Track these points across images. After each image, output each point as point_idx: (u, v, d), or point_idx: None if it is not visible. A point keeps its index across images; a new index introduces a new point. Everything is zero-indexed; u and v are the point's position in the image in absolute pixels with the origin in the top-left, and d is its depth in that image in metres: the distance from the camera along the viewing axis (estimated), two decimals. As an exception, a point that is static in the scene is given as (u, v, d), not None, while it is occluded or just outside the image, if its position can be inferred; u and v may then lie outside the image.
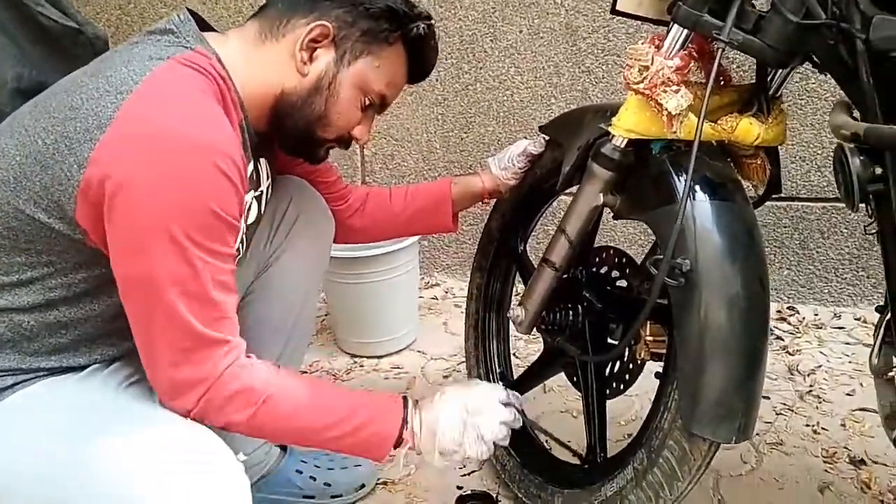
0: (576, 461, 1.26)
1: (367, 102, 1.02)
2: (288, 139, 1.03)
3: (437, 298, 2.17)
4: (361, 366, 1.83)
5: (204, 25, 0.98)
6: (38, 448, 0.85)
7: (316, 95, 0.98)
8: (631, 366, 1.16)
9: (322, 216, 1.27)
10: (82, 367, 0.95)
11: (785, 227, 1.91)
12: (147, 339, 0.88)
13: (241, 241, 1.06)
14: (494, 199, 1.40)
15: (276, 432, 0.97)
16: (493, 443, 1.04)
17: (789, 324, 1.88)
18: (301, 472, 1.35)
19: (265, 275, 1.23)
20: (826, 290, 1.93)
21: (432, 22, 1.04)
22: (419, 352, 1.89)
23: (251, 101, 0.97)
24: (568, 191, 1.19)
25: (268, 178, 1.14)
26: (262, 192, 1.12)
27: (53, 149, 0.83)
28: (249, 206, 1.08)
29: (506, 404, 1.06)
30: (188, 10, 0.97)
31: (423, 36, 1.02)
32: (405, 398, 1.02)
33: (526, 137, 1.30)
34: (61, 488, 0.82)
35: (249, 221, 1.10)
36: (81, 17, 1.13)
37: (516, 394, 1.10)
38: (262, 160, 1.11)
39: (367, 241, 1.45)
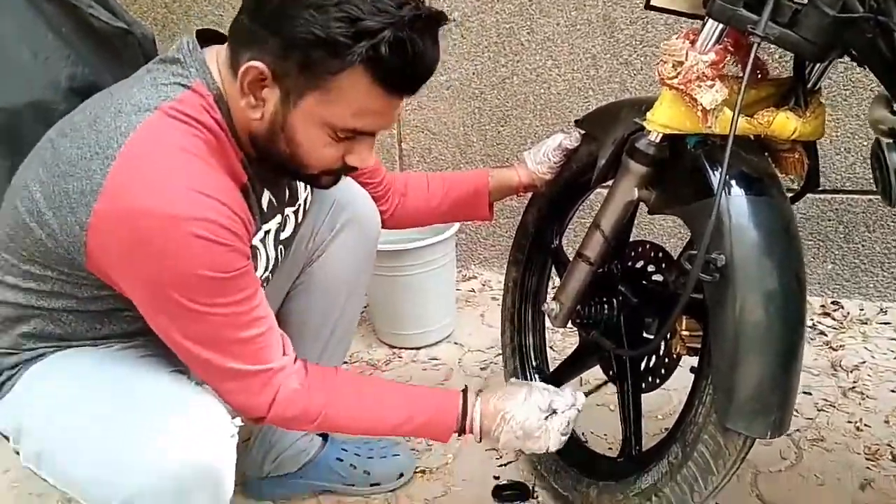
0: (611, 453, 1.27)
1: (342, 136, 0.89)
2: (278, 173, 1.00)
3: (474, 291, 2.18)
4: (400, 357, 1.86)
5: (220, 39, 0.95)
6: (61, 413, 0.93)
7: (276, 138, 0.89)
8: (666, 360, 1.16)
9: (368, 214, 1.29)
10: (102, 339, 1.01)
11: (829, 220, 1.87)
12: (203, 378, 0.95)
13: (277, 254, 1.10)
14: (530, 193, 1.41)
15: (348, 431, 1.07)
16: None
17: (833, 319, 1.85)
18: (342, 461, 1.39)
19: (310, 269, 1.26)
20: (871, 285, 1.89)
21: (387, 33, 0.80)
22: (457, 343, 1.91)
23: (243, 135, 0.93)
24: (603, 185, 1.20)
25: (305, 188, 1.15)
26: (299, 205, 1.14)
27: (60, 201, 0.86)
28: (285, 221, 1.10)
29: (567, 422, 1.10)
30: (200, 31, 0.95)
31: (379, 52, 0.81)
32: (465, 391, 1.08)
33: (562, 131, 1.30)
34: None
35: (286, 235, 1.12)
36: (130, 17, 1.17)
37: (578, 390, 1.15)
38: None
39: (405, 227, 1.46)
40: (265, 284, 1.06)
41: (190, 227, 0.82)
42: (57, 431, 0.92)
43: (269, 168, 0.97)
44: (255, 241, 1.01)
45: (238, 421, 0.93)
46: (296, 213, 1.14)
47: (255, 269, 1.00)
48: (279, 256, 1.11)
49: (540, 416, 1.06)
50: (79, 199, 0.84)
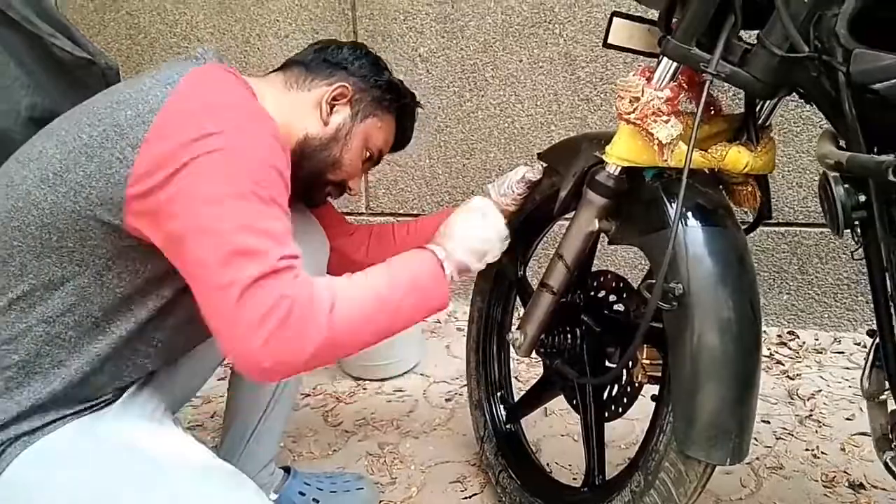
0: (575, 483, 1.27)
1: (368, 156, 1.20)
2: (300, 177, 1.05)
3: (440, 322, 2.19)
4: (364, 389, 1.85)
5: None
6: (79, 494, 0.87)
7: (333, 142, 1.13)
8: (629, 388, 1.18)
9: (317, 240, 1.28)
10: (117, 391, 0.98)
11: (783, 252, 1.93)
12: (214, 274, 0.81)
13: None
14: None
15: (363, 328, 0.90)
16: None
17: (789, 348, 1.89)
18: (304, 495, 1.36)
19: None
20: (826, 315, 1.94)
21: (418, 104, 1.28)
22: (422, 375, 1.91)
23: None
24: (565, 216, 1.22)
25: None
26: None
27: (102, 138, 0.86)
28: None
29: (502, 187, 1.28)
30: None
31: (409, 111, 1.25)
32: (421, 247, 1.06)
33: (525, 164, 1.33)
34: None
35: None
36: (93, 48, 1.17)
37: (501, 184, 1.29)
38: None
39: None
40: None
41: (268, 127, 0.90)
42: None
43: (294, 172, 1.00)
44: None
45: (273, 496, 0.97)
46: None
47: None
48: None
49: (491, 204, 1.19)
50: (133, 121, 0.86)
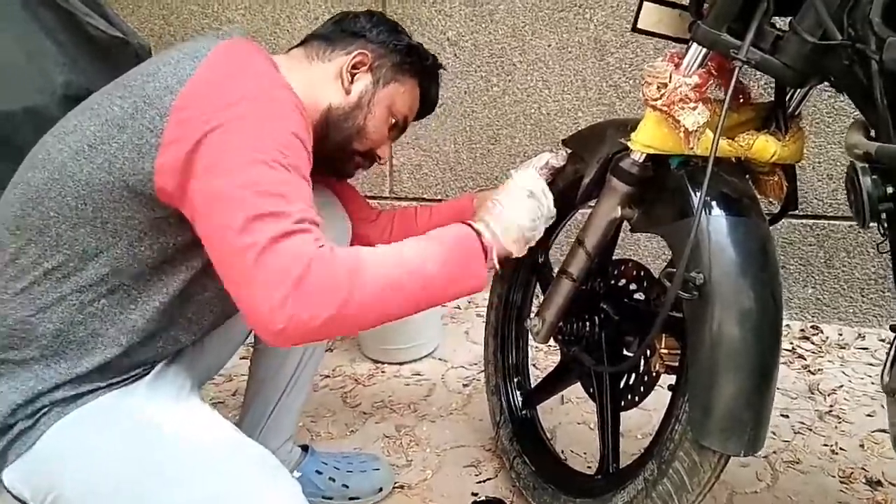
0: (590, 471, 1.27)
1: (393, 122, 1.19)
2: (327, 150, 1.10)
3: (459, 308, 2.19)
4: (383, 372, 1.86)
5: None
6: (113, 466, 0.88)
7: (357, 110, 1.13)
8: (646, 378, 1.17)
9: (340, 225, 1.29)
10: (148, 366, 0.99)
11: (810, 244, 1.90)
12: (229, 250, 0.81)
13: None
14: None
15: (386, 297, 0.86)
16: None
17: (812, 343, 1.87)
18: (321, 473, 1.38)
19: None
20: (851, 310, 1.92)
21: (440, 66, 1.25)
22: (440, 359, 1.92)
23: (307, 109, 1.02)
24: (588, 203, 1.21)
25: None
26: None
27: (133, 109, 0.88)
28: None
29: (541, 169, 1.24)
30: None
31: (434, 74, 1.24)
32: (464, 223, 1.02)
33: (550, 150, 1.32)
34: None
35: None
36: (127, 28, 1.18)
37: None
38: None
39: None
40: None
41: (291, 98, 0.92)
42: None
43: (321, 142, 1.06)
44: None
45: (297, 473, 0.98)
46: None
47: None
48: None
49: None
50: (161, 93, 0.88)
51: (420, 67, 1.20)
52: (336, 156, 1.16)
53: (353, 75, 1.13)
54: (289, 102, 0.91)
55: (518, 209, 1.10)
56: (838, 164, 1.83)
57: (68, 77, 1.12)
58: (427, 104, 1.26)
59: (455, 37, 2.10)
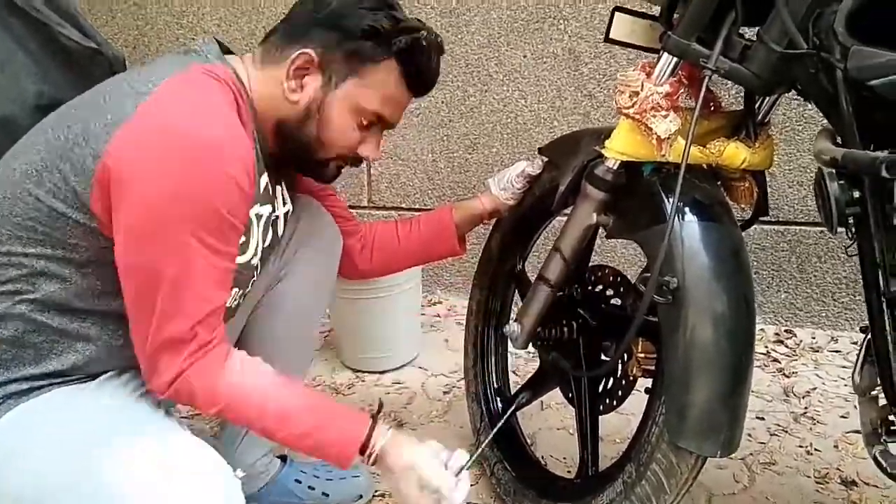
0: (570, 475, 1.28)
1: (365, 122, 1.04)
2: (293, 160, 1.08)
3: (439, 316, 2.20)
4: (363, 381, 1.86)
5: (225, 51, 1.04)
6: (56, 457, 0.88)
7: (308, 121, 1.01)
8: (623, 382, 1.19)
9: (330, 233, 1.30)
10: (97, 375, 0.98)
11: (783, 250, 1.93)
12: (138, 320, 0.91)
13: (258, 260, 1.09)
14: (495, 219, 1.43)
15: (245, 423, 1.01)
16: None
17: (786, 346, 1.90)
18: (300, 482, 1.38)
19: (273, 290, 1.26)
20: (823, 314, 1.95)
21: (423, 33, 1.02)
22: (421, 368, 1.92)
23: (262, 124, 1.02)
24: (565, 211, 1.23)
25: (284, 203, 1.16)
26: (277, 216, 1.14)
27: (74, 141, 0.88)
28: (267, 228, 1.10)
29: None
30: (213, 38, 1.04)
31: (413, 48, 1.01)
32: (373, 418, 1.01)
33: (527, 159, 1.34)
34: (77, 497, 0.85)
35: (266, 244, 1.12)
36: (101, 38, 1.18)
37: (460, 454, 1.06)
38: (282, 184, 1.14)
39: (380, 275, 1.49)
40: (244, 276, 1.05)
41: (225, 161, 0.87)
42: (45, 490, 0.86)
43: (281, 157, 1.05)
44: (252, 214, 1.01)
45: (240, 472, 0.91)
46: (273, 224, 1.14)
47: (247, 245, 1.02)
48: (259, 266, 1.11)
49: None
50: (99, 131, 0.87)
51: (393, 48, 1.00)
52: (303, 166, 1.10)
53: (301, 78, 1.00)
54: (219, 166, 0.86)
55: (411, 486, 1.00)
56: (808, 171, 1.87)
57: (40, 87, 1.11)
58: (419, 84, 1.05)
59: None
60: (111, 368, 1.00)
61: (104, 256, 0.90)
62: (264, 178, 1.05)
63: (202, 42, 1.01)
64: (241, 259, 1.00)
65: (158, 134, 0.86)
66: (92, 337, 0.95)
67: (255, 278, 1.11)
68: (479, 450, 1.25)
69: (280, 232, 1.17)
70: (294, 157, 1.06)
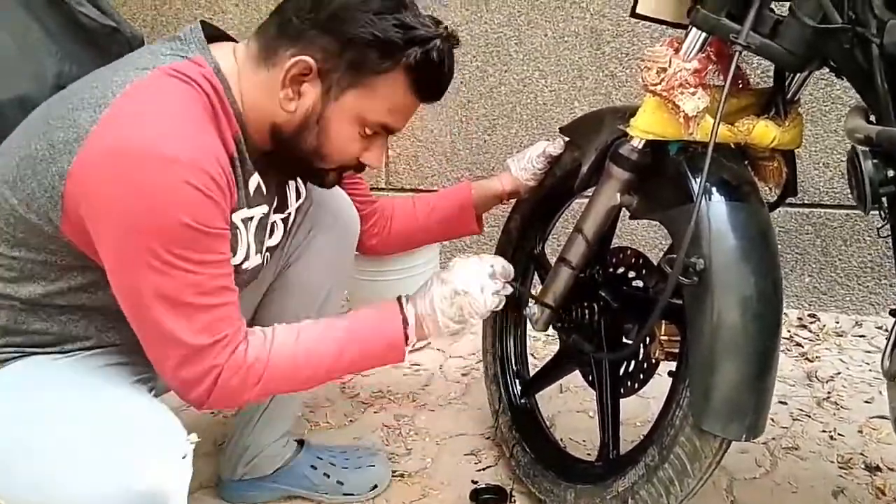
0: (589, 458, 1.28)
1: (369, 132, 0.97)
2: (290, 168, 1.03)
3: (457, 298, 2.19)
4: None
5: (219, 35, 1.00)
6: (8, 427, 0.88)
7: (305, 131, 0.95)
8: (645, 365, 1.18)
9: (347, 215, 1.28)
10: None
11: (807, 233, 1.90)
12: (148, 343, 0.91)
13: (264, 257, 1.08)
14: (514, 200, 1.42)
15: (294, 387, 1.02)
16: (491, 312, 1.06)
17: (810, 331, 1.88)
18: (315, 468, 1.37)
19: (285, 273, 1.25)
20: (848, 298, 1.92)
21: (435, 43, 0.93)
22: (438, 350, 1.91)
23: (252, 123, 0.95)
24: (585, 193, 1.21)
25: (298, 197, 1.15)
26: (288, 213, 1.14)
27: (42, 154, 0.86)
28: (273, 228, 1.10)
29: (491, 276, 1.06)
30: (202, 22, 0.98)
31: (424, 61, 0.92)
32: (399, 299, 1.04)
33: (547, 139, 1.32)
34: (26, 457, 0.85)
35: (273, 242, 1.11)
36: (119, 17, 1.17)
37: (504, 263, 1.10)
38: (290, 182, 1.12)
39: (396, 251, 1.48)
40: (242, 277, 1.03)
41: (183, 172, 0.82)
42: (3, 450, 0.86)
43: (278, 161, 0.99)
44: (237, 220, 0.98)
45: (194, 437, 0.88)
46: (284, 221, 1.14)
47: (234, 250, 0.98)
48: (263, 262, 1.10)
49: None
50: (62, 148, 0.84)
51: (402, 61, 0.92)
52: (303, 173, 1.07)
53: (299, 85, 0.92)
54: (178, 179, 0.82)
55: (449, 305, 1.02)
56: (835, 152, 1.83)
57: (60, 67, 1.10)
58: (431, 93, 0.99)
59: (450, 27, 2.08)
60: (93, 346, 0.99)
61: (84, 264, 0.90)
62: (254, 180, 1.00)
63: (189, 30, 0.95)
64: (232, 260, 0.97)
65: (114, 156, 0.83)
66: (79, 333, 0.96)
67: (255, 279, 1.10)
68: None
69: (288, 230, 1.16)
70: (291, 163, 1.01)
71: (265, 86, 0.93)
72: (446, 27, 0.97)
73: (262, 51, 0.94)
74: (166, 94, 0.87)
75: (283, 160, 1.00)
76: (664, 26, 1.07)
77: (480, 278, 1.04)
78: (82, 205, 0.85)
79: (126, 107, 0.85)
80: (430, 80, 0.96)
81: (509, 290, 1.08)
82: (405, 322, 1.01)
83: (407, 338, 1.01)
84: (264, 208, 1.05)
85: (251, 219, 1.02)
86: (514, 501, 1.34)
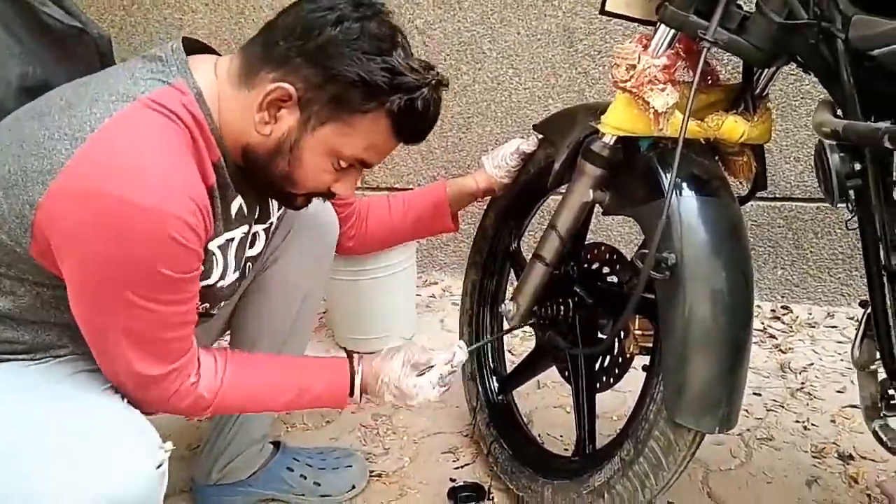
0: (566, 454, 1.28)
1: (344, 165, 0.96)
2: (259, 185, 1.00)
3: (434, 296, 2.19)
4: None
5: (202, 48, 0.98)
6: None
7: (278, 157, 0.93)
8: (620, 359, 1.18)
9: (325, 218, 1.28)
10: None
11: (779, 226, 1.92)
12: (106, 368, 0.93)
13: (244, 269, 1.08)
14: (489, 197, 1.42)
15: (240, 413, 1.15)
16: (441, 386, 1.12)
17: (783, 322, 1.90)
18: (292, 470, 1.37)
19: (263, 275, 1.24)
20: (820, 290, 1.95)
21: (422, 92, 0.91)
22: (416, 349, 1.91)
23: (227, 142, 0.94)
24: (559, 189, 1.22)
25: (279, 209, 1.14)
26: (270, 223, 1.13)
27: (14, 179, 0.84)
28: (254, 238, 1.09)
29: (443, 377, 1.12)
30: (184, 38, 0.96)
31: (408, 109, 0.90)
32: (350, 357, 1.10)
33: (521, 137, 1.32)
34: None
35: (254, 252, 1.11)
36: (85, 17, 1.15)
37: (460, 344, 1.17)
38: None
39: (372, 251, 1.48)
40: (218, 294, 1.04)
41: (162, 225, 0.82)
42: None
43: (251, 180, 0.97)
44: (213, 247, 0.98)
45: (169, 445, 0.88)
46: (266, 230, 1.13)
47: (209, 275, 0.98)
48: (245, 272, 1.09)
49: (412, 374, 1.09)
50: (35, 177, 0.82)
51: (385, 105, 0.89)
52: (272, 194, 1.04)
53: (277, 110, 0.90)
54: (153, 227, 0.82)
55: (389, 388, 1.09)
56: (805, 146, 1.86)
57: (24, 68, 1.08)
58: (413, 137, 0.97)
59: (424, 25, 2.08)
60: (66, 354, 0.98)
61: (55, 280, 0.89)
62: (236, 203, 1.00)
63: (170, 48, 0.92)
64: (205, 282, 0.97)
65: (89, 198, 0.81)
66: (54, 341, 0.95)
67: (235, 291, 1.11)
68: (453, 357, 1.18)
69: (269, 239, 1.16)
70: (260, 184, 0.99)
71: (243, 106, 0.91)
72: (437, 73, 0.94)
73: (245, 70, 0.92)
74: (145, 131, 0.85)
75: (254, 181, 0.98)
76: (635, 23, 1.07)
77: (428, 382, 1.10)
78: (52, 238, 0.84)
79: (103, 144, 0.82)
80: (413, 126, 0.94)
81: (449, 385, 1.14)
82: (352, 383, 1.08)
83: (352, 394, 1.09)
84: (246, 227, 1.05)
85: (231, 240, 1.02)
86: (493, 499, 1.34)
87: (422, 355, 1.11)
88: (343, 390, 1.08)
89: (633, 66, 0.94)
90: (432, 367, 1.11)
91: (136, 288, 0.85)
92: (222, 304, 1.08)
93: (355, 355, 1.11)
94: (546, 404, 1.61)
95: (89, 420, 0.87)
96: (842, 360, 1.72)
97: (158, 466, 0.85)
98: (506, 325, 1.32)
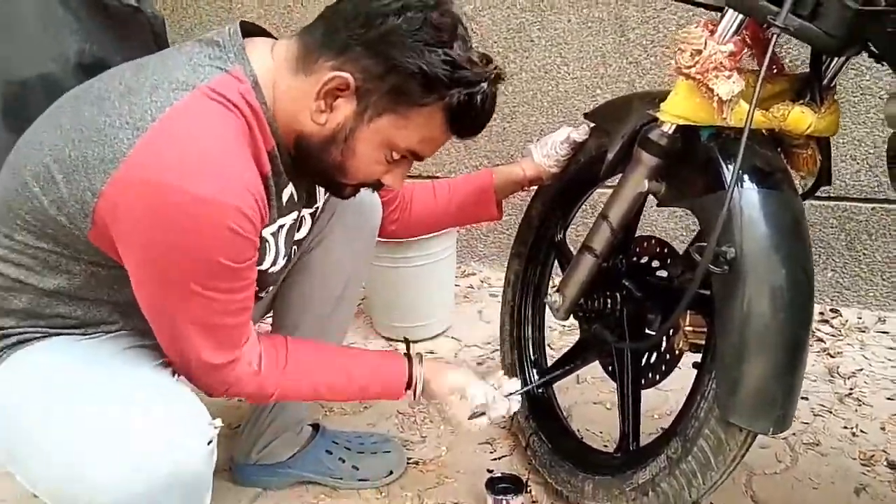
0: (606, 450, 1.26)
1: (396, 157, 0.95)
2: (310, 175, 1.00)
3: (472, 287, 2.18)
4: (396, 349, 1.85)
5: (259, 31, 0.97)
6: (33, 404, 0.89)
7: (332, 146, 0.92)
8: (668, 356, 1.16)
9: (368, 200, 1.26)
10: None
11: (832, 227, 1.87)
12: (172, 351, 0.95)
13: (291, 253, 1.09)
14: (535, 187, 1.40)
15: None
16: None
17: (831, 326, 1.84)
18: (331, 453, 1.37)
19: (307, 257, 1.24)
20: (871, 293, 1.89)
21: (482, 87, 0.90)
22: (454, 338, 1.90)
23: (281, 129, 0.93)
24: (610, 181, 1.19)
25: (325, 193, 1.14)
26: (316, 208, 1.14)
27: (75, 165, 0.85)
28: (301, 221, 1.09)
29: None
30: (242, 22, 0.95)
31: (467, 104, 0.90)
32: (410, 362, 1.13)
33: (569, 126, 1.30)
34: (47, 433, 0.86)
35: (300, 236, 1.12)
36: (140, -3, 1.16)
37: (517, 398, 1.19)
38: None
39: (416, 234, 1.48)
40: (269, 279, 1.05)
41: (221, 216, 0.83)
42: (29, 428, 0.87)
43: (302, 168, 0.97)
44: (267, 234, 0.99)
45: (218, 422, 0.90)
46: (312, 214, 1.14)
47: (262, 261, 0.99)
48: (291, 256, 1.10)
49: (467, 411, 1.12)
50: (97, 165, 0.83)
51: (444, 99, 0.89)
52: (322, 182, 1.04)
53: (334, 99, 0.90)
54: (213, 219, 0.82)
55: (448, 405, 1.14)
56: (862, 145, 1.79)
57: (81, 45, 1.10)
58: (468, 132, 0.96)
59: (472, 12, 2.06)
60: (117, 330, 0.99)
61: (110, 261, 0.90)
62: (288, 191, 1.00)
63: (227, 33, 0.91)
64: (258, 268, 0.98)
65: (151, 187, 0.81)
66: (104, 318, 0.96)
67: (282, 276, 1.13)
68: (531, 385, 1.35)
69: (315, 222, 1.17)
70: (311, 172, 0.98)
71: (299, 93, 0.90)
72: (496, 66, 0.93)
73: (303, 56, 0.91)
74: (205, 122, 0.85)
75: (304, 167, 0.97)
76: (696, 9, 1.04)
77: (474, 426, 1.14)
78: (113, 227, 0.85)
79: (164, 135, 0.83)
80: (469, 121, 0.93)
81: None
82: (410, 377, 1.12)
83: (407, 392, 1.13)
84: (295, 213, 1.05)
85: (283, 226, 1.03)
86: (531, 491, 1.32)
87: (481, 396, 1.13)
88: (397, 396, 1.13)
89: (699, 52, 0.91)
90: (484, 414, 1.14)
91: (197, 277, 0.86)
92: (270, 288, 1.08)
93: (416, 361, 1.14)
94: (586, 399, 1.59)
95: (143, 395, 0.89)
96: (892, 366, 1.67)
97: (209, 443, 0.87)
98: (548, 317, 1.30)
